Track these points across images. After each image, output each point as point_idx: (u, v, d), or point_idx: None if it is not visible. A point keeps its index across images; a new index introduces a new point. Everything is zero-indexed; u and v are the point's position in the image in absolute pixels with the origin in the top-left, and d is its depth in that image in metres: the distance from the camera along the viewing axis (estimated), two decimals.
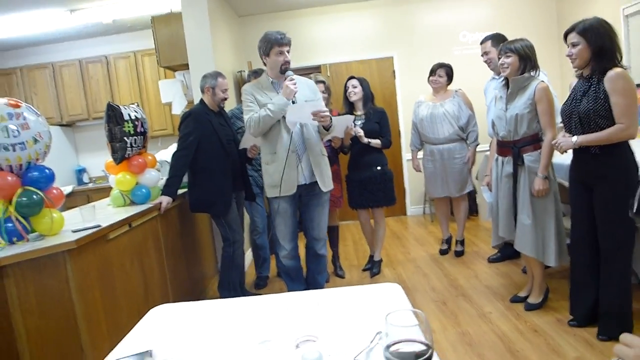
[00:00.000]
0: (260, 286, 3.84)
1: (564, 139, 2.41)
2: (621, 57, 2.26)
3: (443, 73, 3.86)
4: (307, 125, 2.81)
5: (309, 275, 3.14)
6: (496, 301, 3.04)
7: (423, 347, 0.75)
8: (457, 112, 3.81)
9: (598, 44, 2.22)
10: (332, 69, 5.77)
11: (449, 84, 3.92)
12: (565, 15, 5.40)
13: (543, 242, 2.72)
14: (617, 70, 2.21)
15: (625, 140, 2.26)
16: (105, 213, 2.81)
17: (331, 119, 2.77)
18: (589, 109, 2.27)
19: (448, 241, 4.21)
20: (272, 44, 2.70)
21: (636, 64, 4.46)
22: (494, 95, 3.33)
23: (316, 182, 2.84)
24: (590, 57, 2.27)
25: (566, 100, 2.47)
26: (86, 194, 5.53)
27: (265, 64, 2.84)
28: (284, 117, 2.71)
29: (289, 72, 2.73)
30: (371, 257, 3.97)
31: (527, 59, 2.65)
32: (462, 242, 4.10)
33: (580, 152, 2.41)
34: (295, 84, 2.68)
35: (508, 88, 2.77)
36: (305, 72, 5.66)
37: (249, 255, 4.29)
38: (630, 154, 2.28)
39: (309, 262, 3.12)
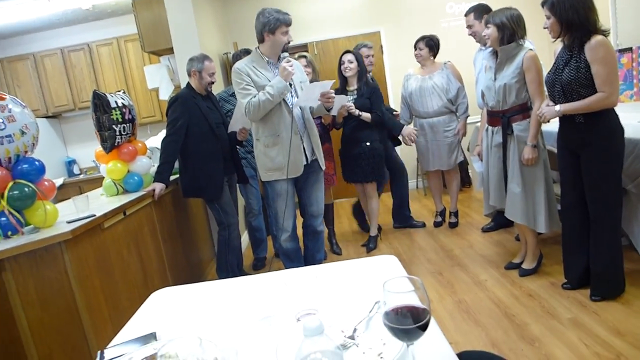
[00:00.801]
0: (258, 267, 3.87)
1: (547, 108, 2.43)
2: (597, 24, 2.24)
3: (423, 45, 3.84)
4: (306, 107, 2.81)
5: (307, 254, 3.17)
6: (491, 269, 3.10)
7: (421, 312, 0.77)
8: (446, 84, 3.81)
9: (564, 17, 2.23)
10: (319, 47, 5.71)
11: (433, 55, 3.89)
12: None
13: (533, 209, 2.76)
14: (598, 38, 2.21)
15: (610, 108, 2.28)
16: (99, 202, 2.80)
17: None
18: (570, 78, 2.29)
19: (442, 213, 4.25)
20: (280, 23, 2.65)
21: (622, 29, 4.45)
22: (482, 65, 3.33)
23: (315, 159, 2.89)
24: (561, 29, 2.27)
25: (550, 69, 2.48)
26: (78, 185, 5.50)
27: (261, 41, 2.73)
28: (284, 100, 2.69)
29: (285, 54, 2.72)
30: (371, 237, 4.00)
31: (505, 29, 2.62)
32: (455, 214, 4.15)
33: (565, 120, 2.43)
34: (292, 66, 2.66)
35: (497, 58, 2.77)
36: (292, 50, 5.60)
37: (245, 238, 4.32)
38: (615, 119, 2.30)
39: (307, 240, 3.15)
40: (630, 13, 4.38)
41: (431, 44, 3.86)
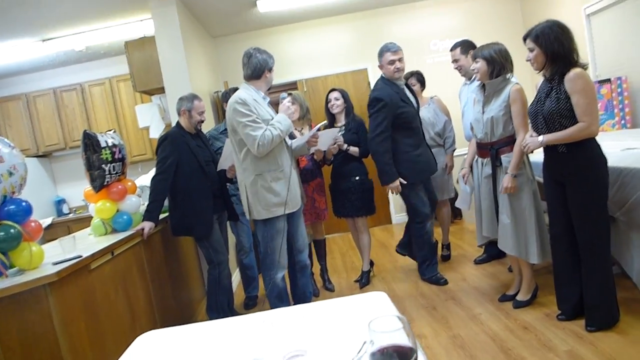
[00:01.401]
0: (250, 306, 3.80)
1: (531, 139, 2.48)
2: (578, 57, 2.33)
3: (415, 81, 3.94)
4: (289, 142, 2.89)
5: (299, 292, 3.10)
6: (485, 302, 3.07)
7: (407, 351, 0.76)
8: (433, 118, 3.88)
9: (550, 49, 2.30)
10: (308, 84, 5.82)
11: (422, 90, 3.99)
12: (530, 16, 5.56)
13: (525, 240, 2.77)
14: (576, 70, 2.28)
15: (591, 137, 2.32)
16: (87, 243, 2.76)
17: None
18: (552, 109, 2.34)
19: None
20: (273, 62, 2.84)
21: (600, 61, 4.61)
22: (467, 99, 3.42)
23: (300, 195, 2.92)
24: (546, 61, 2.35)
25: (532, 101, 2.55)
26: (67, 224, 5.44)
27: (258, 78, 2.78)
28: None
29: (284, 94, 3.00)
30: (364, 272, 3.95)
31: (495, 63, 2.71)
32: (447, 246, 4.14)
33: (549, 150, 2.48)
34: (293, 104, 2.86)
35: (485, 91, 2.84)
36: (281, 88, 5.71)
37: (236, 276, 4.25)
38: (597, 149, 2.34)
39: (296, 277, 3.09)
40: (607, 46, 4.55)
41: (421, 79, 3.97)
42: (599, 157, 2.34)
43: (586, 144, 2.32)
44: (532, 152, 2.55)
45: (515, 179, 2.70)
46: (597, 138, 2.35)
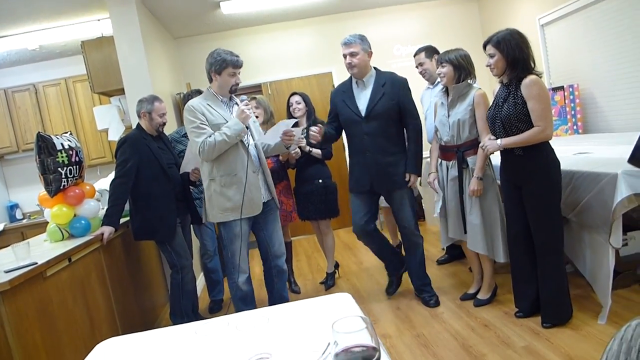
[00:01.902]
0: (215, 310, 3.75)
1: (490, 142, 2.57)
2: (534, 64, 2.44)
3: None
4: (258, 145, 2.83)
5: (275, 295, 3.05)
6: (447, 301, 3.14)
7: (371, 351, 0.77)
8: None
9: (511, 55, 2.40)
10: (272, 87, 5.81)
11: None
12: (488, 24, 5.77)
13: (492, 240, 2.86)
14: (532, 77, 2.39)
15: (546, 141, 2.43)
16: (42, 249, 2.65)
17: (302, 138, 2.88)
18: (509, 114, 2.44)
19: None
20: (227, 64, 2.67)
21: (554, 69, 4.83)
22: (430, 103, 3.48)
23: (272, 198, 2.88)
24: (506, 66, 2.44)
25: (490, 106, 2.64)
26: (20, 231, 5.19)
27: (210, 81, 2.77)
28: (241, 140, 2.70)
29: (243, 97, 2.79)
30: (328, 274, 3.97)
31: (461, 68, 2.78)
32: None
33: (506, 154, 2.58)
34: (250, 108, 2.69)
35: (448, 95, 2.91)
36: (246, 91, 5.67)
37: (201, 280, 4.18)
38: (552, 153, 2.46)
39: (272, 281, 3.04)
40: (560, 55, 4.77)
41: None
42: (553, 161, 2.45)
43: (541, 148, 2.42)
44: (491, 154, 2.64)
45: (480, 181, 2.78)
46: (551, 142, 2.46)
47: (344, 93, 3.13)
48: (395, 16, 5.91)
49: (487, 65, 2.51)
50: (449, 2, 5.99)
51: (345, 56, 2.99)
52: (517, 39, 2.40)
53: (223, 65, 2.68)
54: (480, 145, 2.69)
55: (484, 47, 2.51)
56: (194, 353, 1.22)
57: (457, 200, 2.94)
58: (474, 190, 2.79)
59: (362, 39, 3.00)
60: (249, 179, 2.70)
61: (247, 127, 2.70)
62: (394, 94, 2.99)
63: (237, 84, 2.78)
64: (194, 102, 2.72)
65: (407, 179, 3.05)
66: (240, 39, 5.70)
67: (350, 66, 2.99)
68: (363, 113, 3.01)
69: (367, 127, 3.01)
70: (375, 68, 3.11)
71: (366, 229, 3.22)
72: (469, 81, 2.83)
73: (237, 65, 2.72)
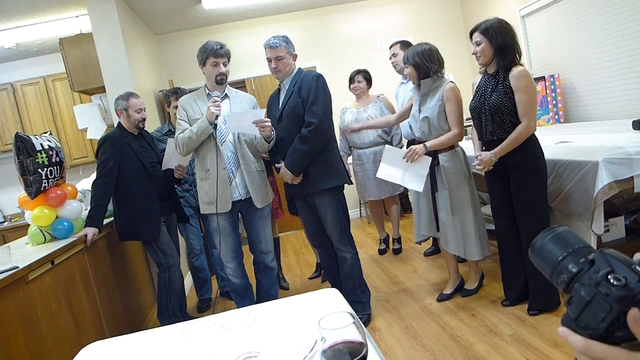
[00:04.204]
0: (203, 309, 3.72)
1: (482, 160, 2.51)
2: (520, 56, 2.45)
3: (362, 78, 4.00)
4: (242, 142, 2.74)
5: (261, 290, 3.05)
6: (435, 292, 3.17)
7: (358, 346, 0.77)
8: (380, 116, 3.94)
9: (499, 42, 2.39)
10: (256, 82, 5.76)
11: (369, 88, 4.05)
12: (470, 16, 5.79)
13: (463, 238, 2.84)
14: (520, 68, 2.40)
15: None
16: (23, 253, 2.60)
17: (272, 129, 2.66)
18: (499, 103, 2.44)
19: (385, 240, 4.33)
20: (208, 54, 2.64)
21: (535, 59, 4.88)
22: (404, 98, 3.48)
23: (249, 198, 2.79)
24: (494, 54, 2.44)
25: (473, 98, 2.63)
26: (1, 234, 5.08)
27: (203, 74, 2.76)
28: (212, 135, 2.65)
29: (216, 93, 2.66)
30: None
31: (420, 67, 2.73)
32: (398, 240, 4.24)
33: (491, 146, 2.55)
34: (218, 107, 2.58)
35: (420, 91, 2.90)
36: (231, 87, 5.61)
37: (189, 279, 4.15)
38: (537, 142, 2.48)
39: (259, 276, 3.04)
40: (541, 46, 4.82)
41: (368, 77, 4.03)
42: (539, 150, 2.47)
43: (528, 138, 2.44)
44: (488, 170, 2.56)
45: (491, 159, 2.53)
46: (534, 132, 2.48)
47: (273, 98, 2.95)
48: (378, 9, 5.89)
49: (473, 53, 2.51)
50: None
51: (270, 60, 2.74)
52: (505, 27, 2.40)
53: (204, 55, 2.67)
54: (475, 163, 2.60)
55: (471, 35, 2.50)
56: (181, 354, 1.20)
57: (429, 196, 2.91)
58: (485, 162, 2.54)
59: (287, 41, 2.77)
60: (219, 175, 2.68)
61: (215, 125, 2.60)
62: (302, 92, 2.72)
63: (223, 74, 2.69)
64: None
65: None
66: (223, 35, 5.64)
67: (275, 70, 2.75)
68: (277, 116, 2.83)
69: (280, 130, 2.79)
70: (299, 69, 2.86)
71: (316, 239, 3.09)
72: (439, 74, 2.78)
73: (218, 54, 2.64)
